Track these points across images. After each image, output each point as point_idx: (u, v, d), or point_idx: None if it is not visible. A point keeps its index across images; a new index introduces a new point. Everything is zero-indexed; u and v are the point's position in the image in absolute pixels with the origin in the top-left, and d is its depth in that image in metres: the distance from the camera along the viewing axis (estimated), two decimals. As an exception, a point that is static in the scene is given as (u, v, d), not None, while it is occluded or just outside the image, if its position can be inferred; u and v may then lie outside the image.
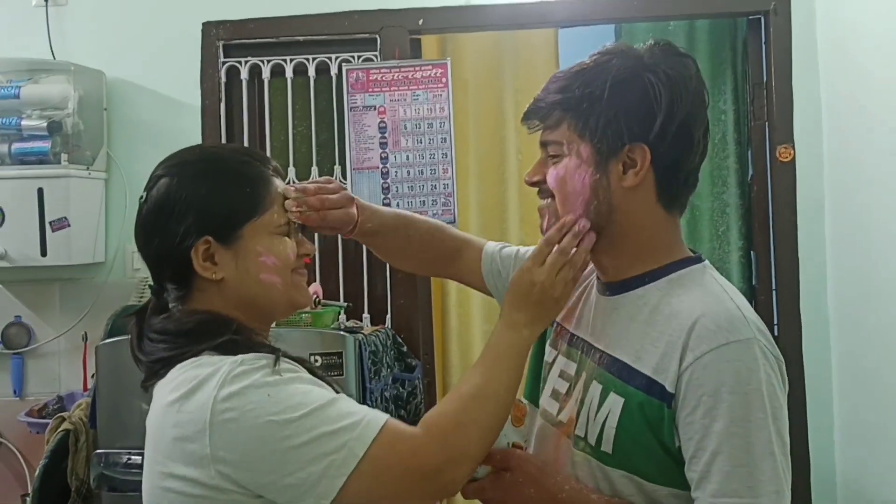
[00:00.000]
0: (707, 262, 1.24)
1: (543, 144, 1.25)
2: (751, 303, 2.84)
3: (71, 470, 2.38)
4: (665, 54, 1.19)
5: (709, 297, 1.15)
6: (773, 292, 2.77)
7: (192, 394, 1.04)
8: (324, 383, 1.11)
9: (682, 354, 1.09)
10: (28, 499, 2.48)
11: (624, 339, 1.19)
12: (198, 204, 1.14)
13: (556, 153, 1.22)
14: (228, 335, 1.11)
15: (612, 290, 1.24)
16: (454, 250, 1.51)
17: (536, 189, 1.27)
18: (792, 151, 2.70)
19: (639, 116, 1.15)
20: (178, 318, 1.15)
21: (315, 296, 2.43)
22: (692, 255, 1.24)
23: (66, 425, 2.40)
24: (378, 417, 1.04)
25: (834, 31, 2.60)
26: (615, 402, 1.15)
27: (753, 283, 2.90)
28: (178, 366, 1.09)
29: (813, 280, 2.69)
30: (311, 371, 1.15)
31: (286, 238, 1.19)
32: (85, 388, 2.74)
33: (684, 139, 1.17)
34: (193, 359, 1.09)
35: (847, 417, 2.58)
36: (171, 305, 1.18)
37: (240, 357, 1.06)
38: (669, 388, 1.10)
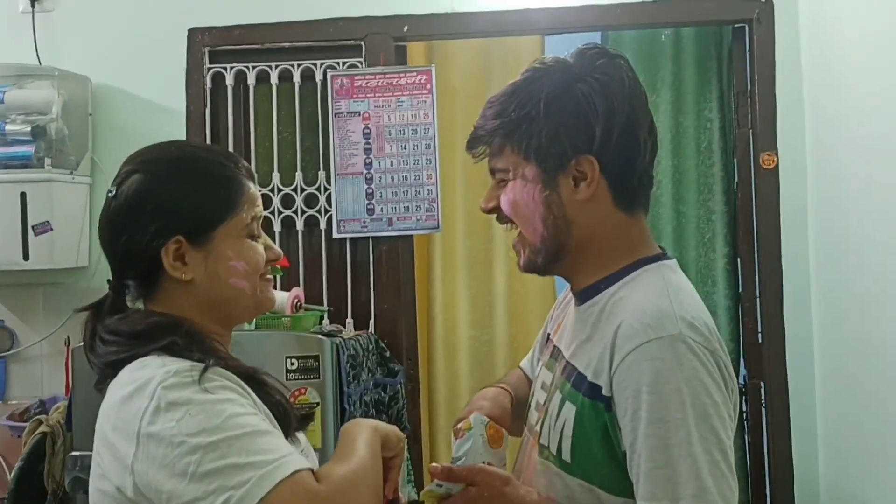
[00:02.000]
0: (667, 260, 1.21)
1: (491, 171, 1.24)
2: (736, 310, 2.88)
3: (48, 472, 2.36)
4: (594, 59, 1.18)
5: (645, 294, 1.13)
6: (758, 299, 2.77)
7: (129, 400, 1.02)
8: (257, 410, 1.06)
9: (612, 356, 1.08)
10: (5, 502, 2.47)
11: (583, 347, 1.18)
12: (172, 204, 1.13)
13: (505, 178, 1.21)
14: (173, 337, 1.09)
15: (580, 298, 1.24)
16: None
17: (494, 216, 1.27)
18: (775, 158, 2.70)
19: (578, 129, 1.14)
20: (132, 319, 1.14)
21: (296, 300, 2.43)
22: (653, 254, 1.21)
23: (43, 428, 2.39)
24: (291, 463, 0.98)
25: (817, 39, 2.61)
26: (569, 411, 1.14)
27: (740, 290, 2.89)
28: (127, 366, 1.08)
29: (797, 287, 2.68)
30: (260, 383, 1.12)
31: (255, 242, 1.18)
32: (67, 393, 2.72)
33: (629, 143, 1.16)
34: (141, 359, 1.08)
35: (831, 425, 2.57)
36: (129, 304, 1.18)
37: (174, 367, 1.03)
38: (605, 391, 1.09)
